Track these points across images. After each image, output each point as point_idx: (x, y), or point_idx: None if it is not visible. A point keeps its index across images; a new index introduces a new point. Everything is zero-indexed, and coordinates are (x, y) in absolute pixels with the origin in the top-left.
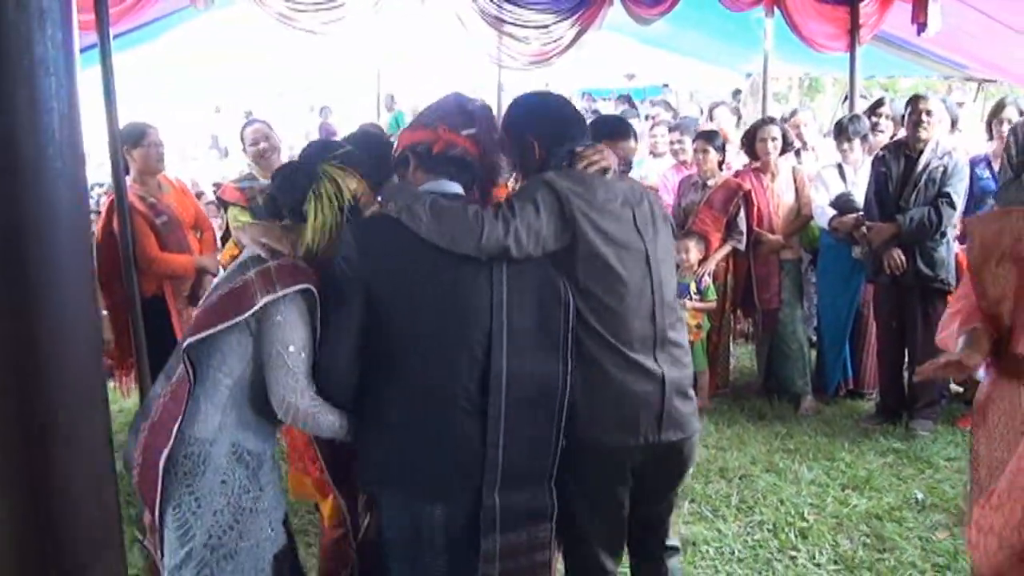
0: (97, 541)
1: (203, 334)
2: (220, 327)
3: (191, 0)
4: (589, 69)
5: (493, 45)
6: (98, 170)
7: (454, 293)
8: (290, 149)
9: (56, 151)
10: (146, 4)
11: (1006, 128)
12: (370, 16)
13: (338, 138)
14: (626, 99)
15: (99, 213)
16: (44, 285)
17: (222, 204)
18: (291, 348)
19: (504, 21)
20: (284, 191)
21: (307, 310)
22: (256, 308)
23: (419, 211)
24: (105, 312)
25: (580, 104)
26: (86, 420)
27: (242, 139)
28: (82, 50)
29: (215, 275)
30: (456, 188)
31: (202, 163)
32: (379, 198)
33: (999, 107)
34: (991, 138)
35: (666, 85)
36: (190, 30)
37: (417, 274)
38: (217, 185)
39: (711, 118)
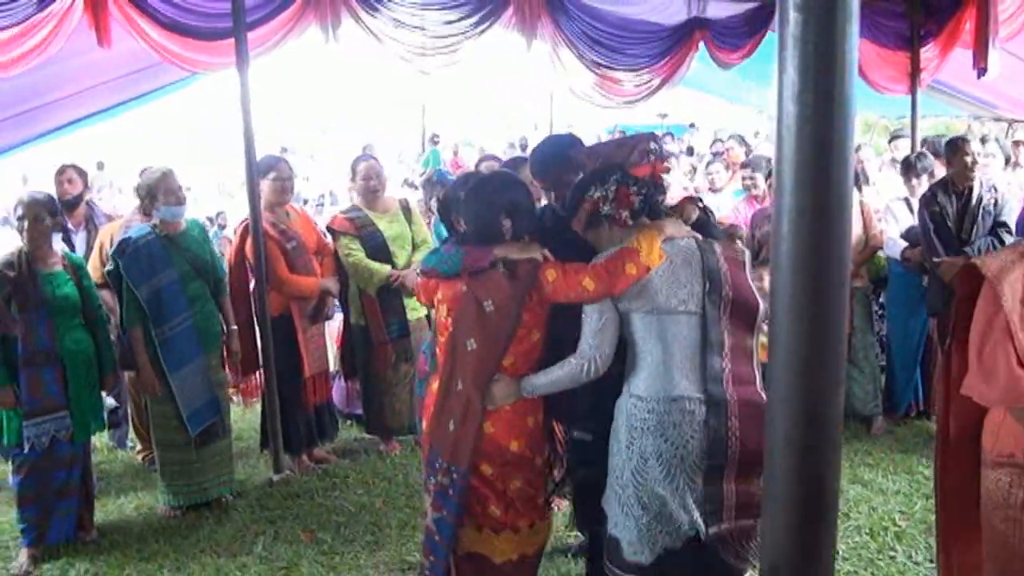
0: None
1: None
2: None
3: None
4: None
5: (589, 86)
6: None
7: None
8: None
9: None
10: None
11: None
12: (476, 59)
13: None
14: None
15: (230, 240)
16: None
17: (332, 234)
18: None
19: (601, 64)
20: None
21: None
22: None
23: None
24: (235, 327)
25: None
26: None
27: (353, 172)
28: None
29: (336, 296)
30: None
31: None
32: None
33: None
34: None
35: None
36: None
37: None
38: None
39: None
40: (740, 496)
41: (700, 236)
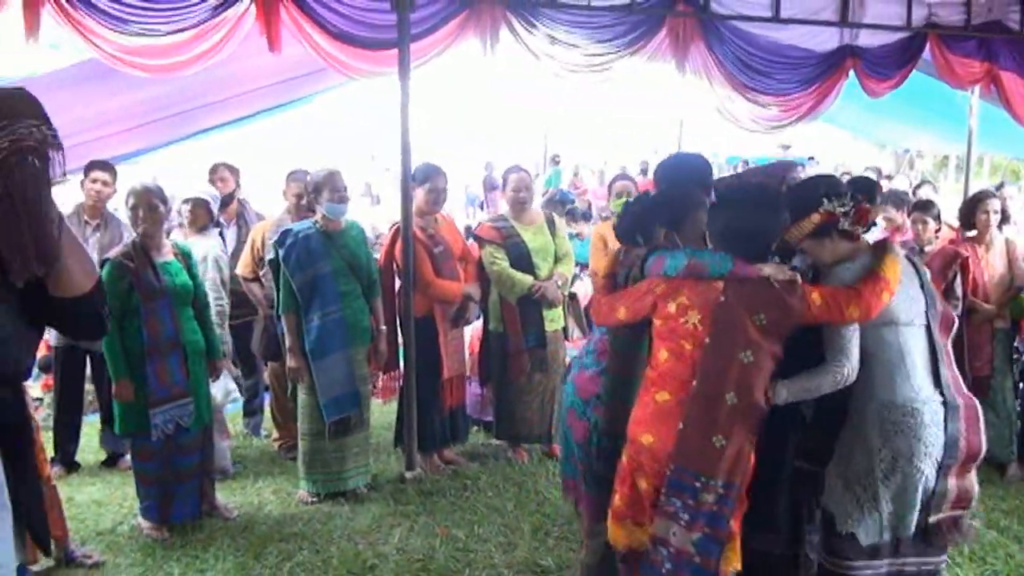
0: None
1: None
2: None
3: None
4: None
5: (739, 110)
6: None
7: None
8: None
9: None
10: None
11: None
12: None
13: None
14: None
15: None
16: None
17: (478, 241)
18: None
19: (751, 88)
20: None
21: None
22: None
23: None
24: (384, 327)
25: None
26: None
27: (504, 182)
28: None
29: (477, 302)
30: None
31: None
32: None
33: None
34: None
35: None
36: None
37: None
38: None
39: None
40: (959, 490)
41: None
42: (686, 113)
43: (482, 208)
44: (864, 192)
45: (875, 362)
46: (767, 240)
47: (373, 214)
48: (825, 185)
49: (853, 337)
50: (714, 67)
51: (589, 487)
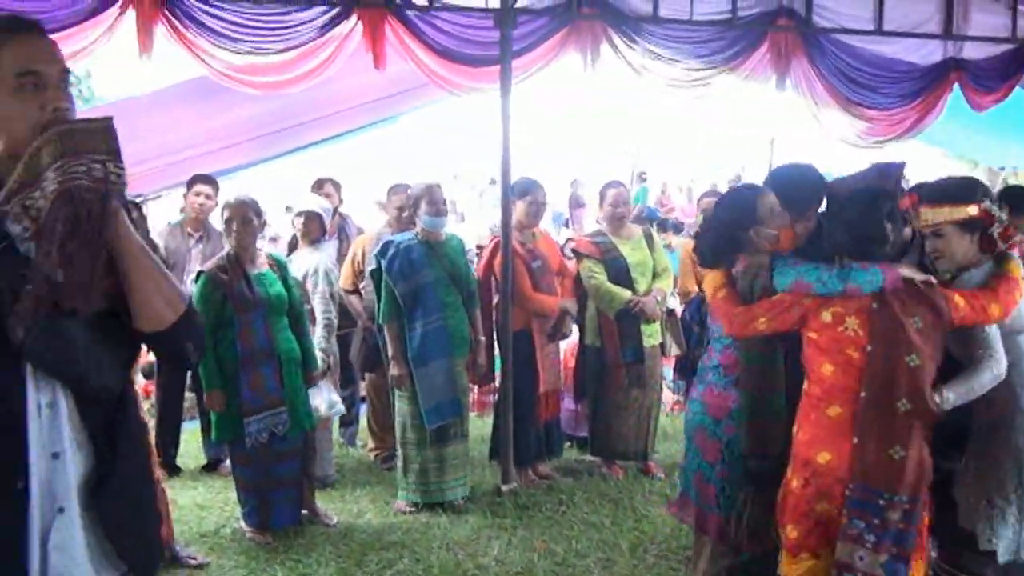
0: None
1: None
2: None
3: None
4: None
5: (845, 127)
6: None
7: None
8: None
9: None
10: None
11: None
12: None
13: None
14: None
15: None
16: None
17: (577, 256)
18: None
19: (854, 102)
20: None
21: None
22: None
23: None
24: (482, 339)
25: None
26: None
27: (601, 198)
28: None
29: (574, 317)
30: None
31: None
32: None
33: None
34: None
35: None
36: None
37: None
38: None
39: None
40: None
41: None
42: (778, 130)
43: (567, 226)
44: (1014, 202)
45: (1015, 372)
46: (887, 242)
47: (458, 231)
48: (982, 186)
49: (997, 333)
50: (816, 81)
51: (721, 509)
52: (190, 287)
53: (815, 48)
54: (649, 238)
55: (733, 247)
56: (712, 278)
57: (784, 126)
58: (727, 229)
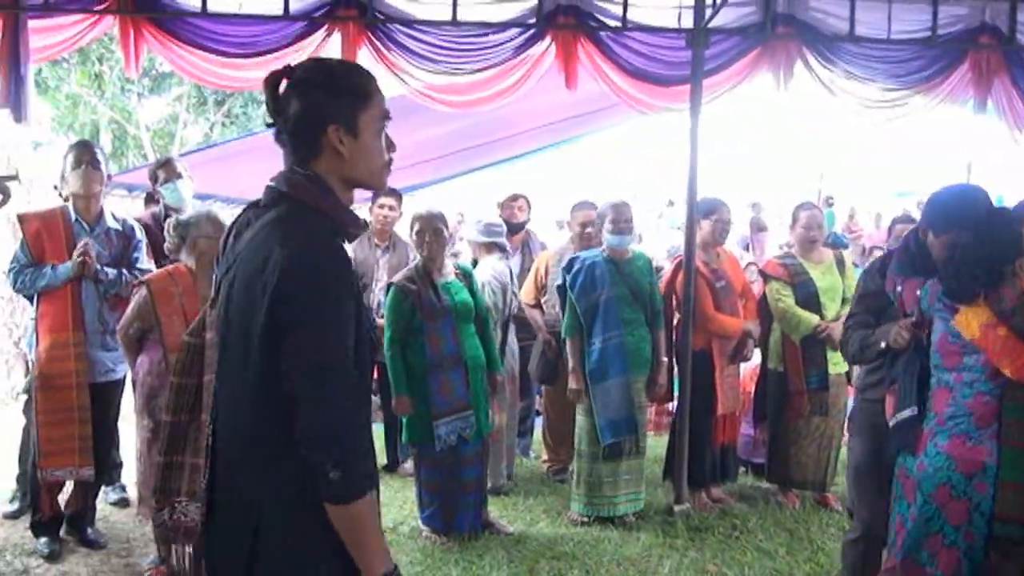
0: None
1: None
2: None
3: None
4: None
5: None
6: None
7: None
8: None
9: None
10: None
11: None
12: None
13: None
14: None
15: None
16: None
17: (764, 277)
18: None
19: None
20: None
21: None
22: None
23: None
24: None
25: None
26: None
27: (794, 219)
28: None
29: (756, 340)
30: None
31: None
32: None
33: None
34: None
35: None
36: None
37: None
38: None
39: None
40: None
41: None
42: (975, 156)
43: (747, 250)
44: None
45: None
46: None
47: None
48: None
49: None
50: (1020, 103)
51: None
52: (380, 297)
53: (1019, 67)
54: (840, 263)
55: (992, 280)
56: (978, 313)
57: (982, 151)
58: (988, 262)
